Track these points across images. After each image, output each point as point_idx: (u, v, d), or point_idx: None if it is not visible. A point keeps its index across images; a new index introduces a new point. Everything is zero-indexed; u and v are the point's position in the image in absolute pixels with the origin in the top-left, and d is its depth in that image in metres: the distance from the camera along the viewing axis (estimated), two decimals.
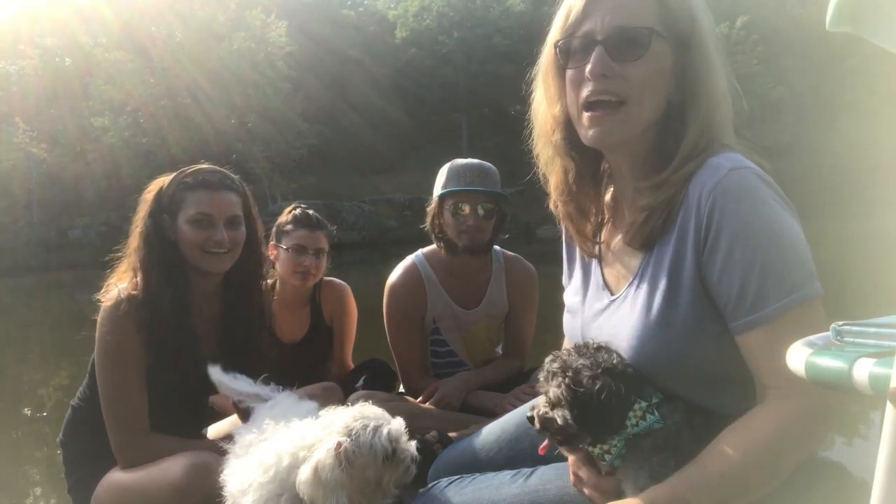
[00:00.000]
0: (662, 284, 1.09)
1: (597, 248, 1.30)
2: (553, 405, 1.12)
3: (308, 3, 37.67)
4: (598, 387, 1.05)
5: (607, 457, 1.10)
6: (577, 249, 1.36)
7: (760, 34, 36.64)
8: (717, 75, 1.13)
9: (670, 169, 1.10)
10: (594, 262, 1.31)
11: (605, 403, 1.04)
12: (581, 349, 1.13)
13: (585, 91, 1.12)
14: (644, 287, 1.12)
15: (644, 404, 1.08)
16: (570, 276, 1.41)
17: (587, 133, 1.14)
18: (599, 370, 1.07)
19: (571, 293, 1.37)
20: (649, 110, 1.12)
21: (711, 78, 1.12)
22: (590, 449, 1.12)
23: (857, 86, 33.36)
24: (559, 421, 1.10)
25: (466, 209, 2.39)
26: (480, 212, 2.40)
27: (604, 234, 1.31)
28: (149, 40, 30.16)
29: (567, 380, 1.08)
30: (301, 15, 35.75)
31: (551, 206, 1.34)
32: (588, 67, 1.10)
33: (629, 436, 1.07)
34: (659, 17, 1.09)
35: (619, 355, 1.12)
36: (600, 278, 1.27)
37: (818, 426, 0.98)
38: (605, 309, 1.23)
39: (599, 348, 1.13)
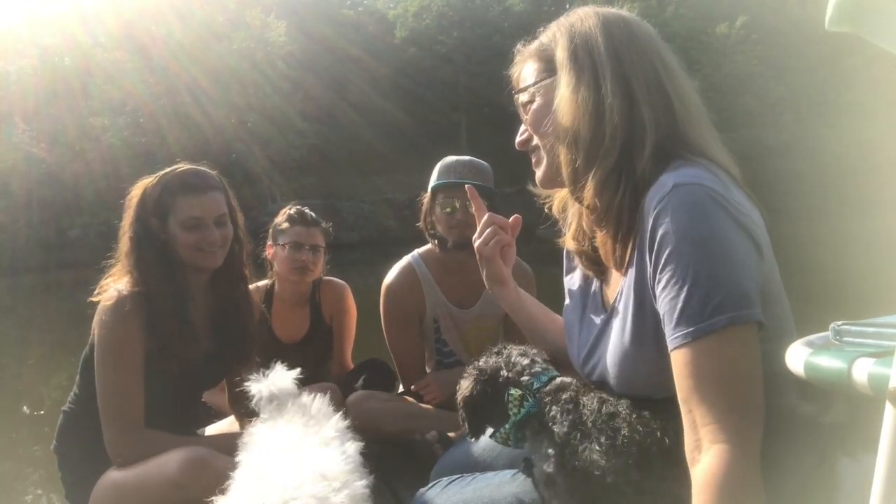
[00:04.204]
0: (632, 305, 1.09)
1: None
2: None
3: (307, 3, 37.64)
4: (463, 388, 1.26)
5: (510, 442, 1.23)
6: (580, 270, 1.35)
7: (760, 34, 36.64)
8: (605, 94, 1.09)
9: (618, 195, 1.10)
10: (595, 281, 1.30)
11: (463, 406, 1.26)
12: (490, 352, 1.31)
13: None
14: (620, 307, 1.13)
15: (518, 393, 1.20)
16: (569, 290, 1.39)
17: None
18: (475, 373, 1.26)
19: (569, 308, 1.37)
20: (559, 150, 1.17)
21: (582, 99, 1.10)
22: (496, 438, 1.25)
23: (857, 86, 33.35)
24: None
25: (456, 203, 2.39)
26: (470, 207, 2.38)
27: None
28: (148, 40, 30.11)
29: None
30: (300, 14, 35.72)
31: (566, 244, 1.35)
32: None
33: (515, 423, 1.20)
34: (536, 69, 1.20)
35: (513, 354, 1.28)
36: (599, 297, 1.27)
37: (756, 467, 0.93)
38: (597, 326, 1.23)
39: (500, 351, 1.29)
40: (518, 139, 1.28)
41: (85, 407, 1.89)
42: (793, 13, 36.05)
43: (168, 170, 1.97)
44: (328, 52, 35.06)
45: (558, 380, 1.21)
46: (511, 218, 1.49)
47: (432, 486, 1.43)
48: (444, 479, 1.43)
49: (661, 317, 1.02)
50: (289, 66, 31.83)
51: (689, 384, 0.96)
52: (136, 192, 1.95)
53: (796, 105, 36.35)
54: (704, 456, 0.94)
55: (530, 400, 1.19)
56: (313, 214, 2.73)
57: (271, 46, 31.81)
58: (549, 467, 1.13)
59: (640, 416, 1.07)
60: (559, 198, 1.33)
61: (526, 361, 1.25)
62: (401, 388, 2.70)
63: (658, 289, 1.01)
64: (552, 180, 1.24)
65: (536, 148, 1.24)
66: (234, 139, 29.35)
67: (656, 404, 1.07)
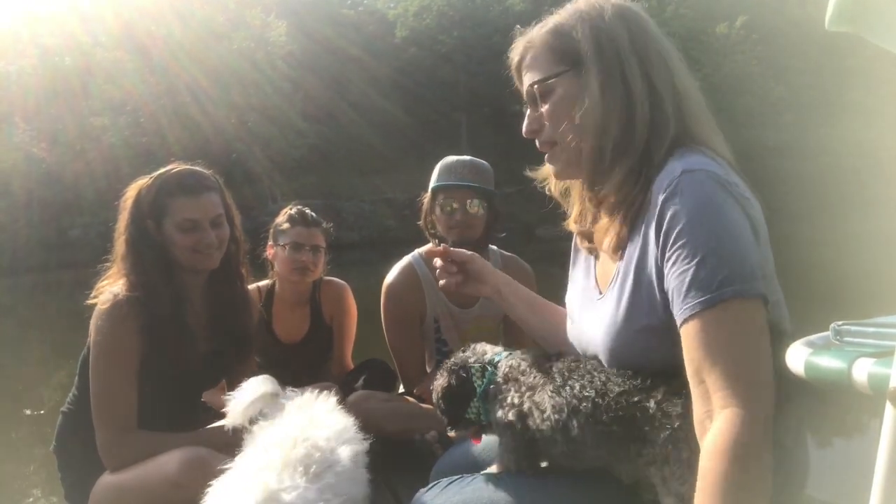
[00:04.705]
0: (629, 285, 1.12)
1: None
2: None
3: (308, 3, 37.67)
4: (437, 384, 1.35)
5: (482, 418, 1.29)
6: (582, 253, 1.38)
7: (760, 34, 36.69)
8: (635, 88, 1.12)
9: (636, 188, 1.14)
10: (592, 261, 1.33)
11: (441, 397, 1.33)
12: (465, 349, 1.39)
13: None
14: (616, 288, 1.16)
15: (479, 365, 1.30)
16: (572, 278, 1.42)
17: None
18: (448, 367, 1.34)
19: (570, 293, 1.39)
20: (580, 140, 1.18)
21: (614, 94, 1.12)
22: (469, 414, 1.31)
23: (857, 85, 33.39)
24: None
25: (455, 204, 2.39)
26: (469, 207, 2.39)
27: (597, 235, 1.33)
28: (149, 39, 30.16)
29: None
30: (301, 14, 35.76)
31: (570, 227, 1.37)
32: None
33: (481, 394, 1.28)
34: (554, 58, 1.19)
35: (479, 346, 1.37)
36: (594, 278, 1.30)
37: (767, 432, 0.94)
38: (593, 307, 1.26)
39: (465, 348, 1.38)
40: (526, 128, 1.26)
41: (83, 408, 1.88)
42: (793, 13, 36.08)
43: (163, 170, 1.94)
44: (328, 52, 35.10)
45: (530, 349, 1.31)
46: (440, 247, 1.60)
47: (432, 487, 1.43)
48: (444, 480, 1.43)
49: (670, 294, 1.05)
50: (289, 66, 31.89)
51: (700, 354, 0.99)
52: (130, 193, 1.93)
53: (796, 105, 36.38)
54: (715, 422, 0.96)
55: (490, 369, 1.28)
56: (314, 214, 2.73)
57: (271, 46, 31.87)
58: (509, 415, 1.21)
59: (602, 371, 1.13)
60: (558, 180, 1.34)
61: (490, 347, 1.37)
62: (401, 388, 2.70)
63: (667, 266, 1.05)
64: (568, 173, 1.26)
65: (552, 141, 1.23)
66: (234, 139, 29.38)
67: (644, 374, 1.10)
